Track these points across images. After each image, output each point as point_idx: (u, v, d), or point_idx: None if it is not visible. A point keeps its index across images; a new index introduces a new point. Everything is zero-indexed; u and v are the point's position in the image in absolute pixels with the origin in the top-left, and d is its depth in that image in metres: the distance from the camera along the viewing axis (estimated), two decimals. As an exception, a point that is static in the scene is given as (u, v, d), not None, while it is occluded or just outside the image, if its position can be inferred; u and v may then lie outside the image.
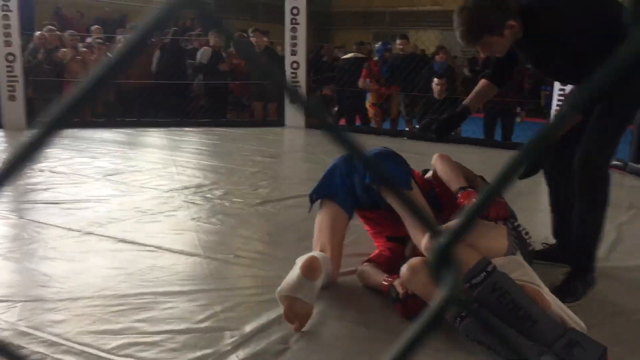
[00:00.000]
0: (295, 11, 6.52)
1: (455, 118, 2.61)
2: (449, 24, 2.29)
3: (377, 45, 7.93)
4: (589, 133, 2.21)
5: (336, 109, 7.83)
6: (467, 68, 10.53)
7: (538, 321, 1.70)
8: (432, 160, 2.37)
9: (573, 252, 2.34)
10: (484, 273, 1.75)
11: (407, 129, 7.04)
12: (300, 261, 1.94)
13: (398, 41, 7.35)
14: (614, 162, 4.86)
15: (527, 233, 2.14)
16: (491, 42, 2.19)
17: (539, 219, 3.14)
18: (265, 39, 7.58)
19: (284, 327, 1.90)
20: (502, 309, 1.71)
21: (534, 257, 2.53)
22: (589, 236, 2.29)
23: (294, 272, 1.90)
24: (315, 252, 2.08)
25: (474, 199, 2.05)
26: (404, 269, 1.90)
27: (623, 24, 2.12)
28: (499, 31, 2.15)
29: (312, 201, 2.42)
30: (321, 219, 2.32)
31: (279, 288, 1.88)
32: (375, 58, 7.51)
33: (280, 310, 1.92)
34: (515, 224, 2.13)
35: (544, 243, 2.78)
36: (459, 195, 2.15)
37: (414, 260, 1.90)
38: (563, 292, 2.17)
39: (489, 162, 5.26)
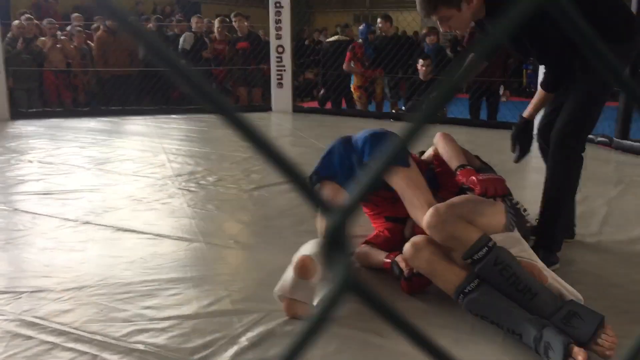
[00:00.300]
0: (279, -5, 6.48)
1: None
2: None
3: (361, 27, 7.91)
4: (563, 113, 2.27)
5: (322, 92, 7.82)
6: (449, 49, 10.57)
7: (538, 293, 1.74)
8: (435, 139, 2.38)
9: (536, 227, 2.38)
10: (486, 248, 1.79)
11: (392, 110, 7.06)
12: (294, 259, 1.92)
13: (379, 21, 7.34)
14: (600, 139, 4.94)
15: (524, 210, 2.18)
16: (448, 16, 2.18)
17: (529, 196, 3.20)
18: (246, 23, 7.52)
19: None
20: (504, 282, 1.75)
21: (531, 233, 2.60)
22: (551, 214, 2.33)
23: (289, 273, 1.91)
24: (310, 247, 2.03)
25: (473, 177, 2.08)
26: (407, 246, 1.92)
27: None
28: (456, 3, 2.15)
29: (312, 184, 2.43)
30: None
31: (276, 288, 1.89)
32: (359, 40, 7.50)
33: (271, 305, 1.95)
34: (514, 201, 2.17)
35: (537, 219, 2.85)
36: (458, 172, 2.17)
37: (417, 237, 1.93)
38: None
39: (476, 142, 5.31)
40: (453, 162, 2.22)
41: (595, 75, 2.22)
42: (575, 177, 2.31)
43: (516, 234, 2.04)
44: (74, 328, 1.78)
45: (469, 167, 2.16)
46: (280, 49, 6.63)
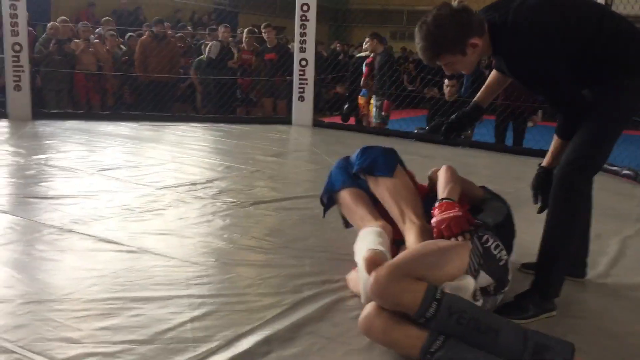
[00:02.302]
0: (305, 7, 6.41)
1: (466, 118, 2.49)
2: None
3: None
4: (570, 146, 2.10)
5: (345, 107, 7.73)
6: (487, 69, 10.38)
7: (500, 329, 1.62)
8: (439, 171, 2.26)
9: (535, 269, 2.20)
10: (435, 303, 1.62)
11: (415, 130, 6.90)
12: (360, 262, 1.89)
13: (367, 40, 7.31)
14: (625, 172, 4.70)
15: (497, 246, 1.94)
16: (453, 61, 2.07)
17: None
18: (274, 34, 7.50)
19: (250, 340, 1.80)
20: (464, 330, 1.60)
21: (527, 267, 2.46)
22: (549, 259, 2.13)
23: (364, 277, 1.84)
24: (377, 239, 2.03)
25: (450, 213, 1.93)
26: (359, 320, 1.75)
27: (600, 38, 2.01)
28: (460, 50, 2.03)
29: (325, 206, 2.53)
30: (350, 202, 2.35)
31: (362, 300, 1.89)
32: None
33: (250, 324, 1.83)
34: (484, 238, 1.94)
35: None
36: (436, 204, 2.03)
37: (367, 309, 1.74)
38: (510, 307, 2.08)
39: (494, 168, 5.12)
40: (439, 193, 2.08)
41: (609, 101, 2.06)
42: (578, 219, 2.12)
43: (468, 281, 1.84)
44: (20, 346, 1.69)
45: (451, 200, 2.00)
46: (303, 62, 6.56)
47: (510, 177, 4.53)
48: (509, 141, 6.45)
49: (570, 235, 2.11)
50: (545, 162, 2.31)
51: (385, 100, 7.08)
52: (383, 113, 7.15)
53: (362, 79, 7.24)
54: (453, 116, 2.52)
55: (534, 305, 2.09)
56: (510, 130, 6.46)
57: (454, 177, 2.18)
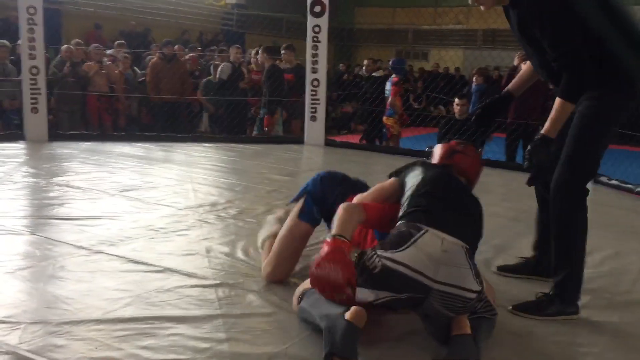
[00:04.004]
0: (317, 29, 6.51)
1: (498, 104, 2.55)
2: (472, 43, 2.29)
3: (393, 60, 7.98)
4: (563, 155, 2.20)
5: (365, 128, 7.84)
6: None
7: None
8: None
9: (554, 277, 2.31)
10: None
11: (426, 149, 6.97)
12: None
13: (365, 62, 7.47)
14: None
15: (371, 257, 1.91)
16: None
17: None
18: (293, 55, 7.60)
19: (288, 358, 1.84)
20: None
21: (504, 270, 2.73)
22: (567, 266, 2.25)
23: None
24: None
25: (330, 271, 1.88)
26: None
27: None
28: None
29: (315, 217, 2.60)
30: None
31: None
32: (397, 76, 7.51)
33: (284, 343, 1.87)
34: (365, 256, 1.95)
35: (520, 257, 2.83)
36: (328, 237, 2.01)
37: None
38: (529, 305, 2.26)
39: (510, 185, 5.17)
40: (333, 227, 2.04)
41: (591, 108, 2.16)
42: (582, 219, 2.24)
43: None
44: (65, 366, 1.74)
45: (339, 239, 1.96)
46: (315, 82, 6.64)
47: (526, 196, 4.55)
48: (520, 159, 6.50)
49: (582, 238, 2.20)
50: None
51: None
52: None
53: (390, 98, 7.31)
54: (486, 101, 2.59)
55: (555, 307, 2.20)
56: (521, 148, 6.51)
57: (348, 215, 2.08)
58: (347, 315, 1.79)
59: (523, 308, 2.29)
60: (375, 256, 1.90)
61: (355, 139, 8.57)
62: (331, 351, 1.72)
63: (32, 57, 6.00)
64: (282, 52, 7.56)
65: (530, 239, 2.81)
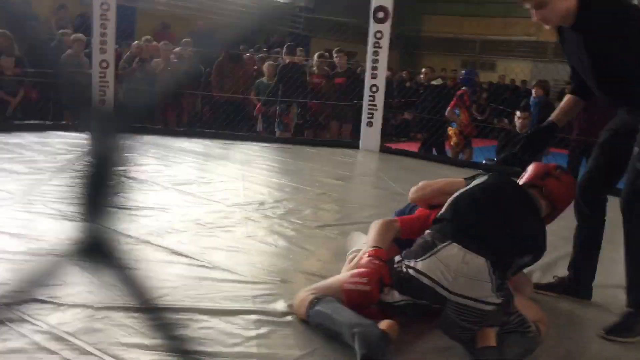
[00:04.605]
0: (378, 35, 6.49)
1: (541, 134, 2.49)
2: (542, 55, 2.28)
3: (464, 72, 7.85)
4: (632, 170, 2.16)
5: (424, 137, 7.76)
6: (559, 102, 10.23)
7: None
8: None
9: (630, 292, 2.27)
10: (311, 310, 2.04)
11: (483, 161, 6.83)
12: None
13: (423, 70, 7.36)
14: None
15: (397, 263, 2.05)
16: (544, 1, 2.10)
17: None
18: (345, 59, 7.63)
19: (314, 362, 1.84)
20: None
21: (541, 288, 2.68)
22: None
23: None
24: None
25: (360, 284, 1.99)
26: None
27: None
28: None
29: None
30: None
31: None
32: (463, 87, 7.40)
33: (312, 346, 1.87)
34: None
35: (555, 276, 2.78)
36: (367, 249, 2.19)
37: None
38: (619, 327, 2.21)
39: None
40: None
41: None
42: None
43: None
44: (98, 349, 1.80)
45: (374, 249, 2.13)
46: (374, 88, 6.62)
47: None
48: (582, 177, 6.27)
49: None
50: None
51: None
52: None
53: (448, 110, 7.23)
54: (527, 133, 2.56)
55: (628, 327, 2.18)
56: (584, 167, 6.27)
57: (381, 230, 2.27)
58: (382, 325, 1.84)
59: (614, 332, 2.22)
60: (401, 263, 2.02)
61: (413, 147, 8.49)
62: (367, 355, 1.74)
63: (102, 51, 6.26)
64: (335, 55, 7.60)
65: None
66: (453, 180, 2.41)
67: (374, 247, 2.15)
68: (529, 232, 2.13)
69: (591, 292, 2.61)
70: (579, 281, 2.59)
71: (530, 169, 2.42)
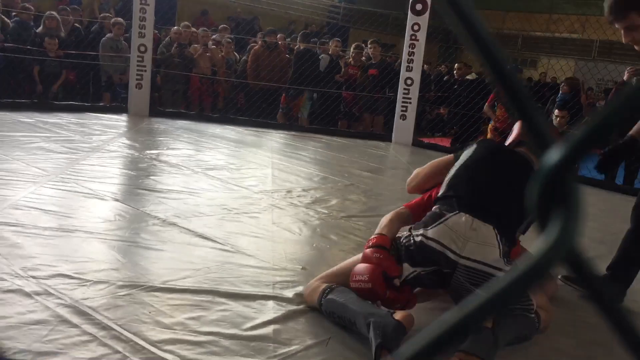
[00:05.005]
0: (416, 27, 6.43)
1: (620, 150, 2.45)
2: (585, 54, 2.25)
3: None
4: None
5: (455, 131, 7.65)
6: (604, 100, 9.94)
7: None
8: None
9: None
10: (323, 299, 2.04)
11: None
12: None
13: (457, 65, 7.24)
14: None
15: (407, 237, 2.05)
16: (637, 24, 2.07)
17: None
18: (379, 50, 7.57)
19: (327, 349, 1.84)
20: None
21: (567, 279, 2.67)
22: None
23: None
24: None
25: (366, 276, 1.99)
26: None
27: None
28: None
29: None
30: None
31: None
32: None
33: (326, 335, 1.88)
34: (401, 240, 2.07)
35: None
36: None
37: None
38: None
39: (603, 206, 4.86)
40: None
41: None
42: None
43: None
44: (119, 325, 1.84)
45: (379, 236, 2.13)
46: (409, 81, 6.56)
47: (617, 218, 4.28)
48: (620, 180, 6.10)
49: None
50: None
51: None
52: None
53: (486, 105, 7.12)
54: (606, 149, 2.52)
55: None
56: (622, 169, 6.11)
57: (396, 218, 2.28)
58: (397, 315, 1.84)
59: None
60: (410, 236, 2.03)
61: (447, 142, 8.40)
62: (382, 344, 1.75)
63: (141, 35, 6.35)
64: (369, 46, 7.55)
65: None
66: (441, 159, 2.47)
67: (378, 234, 2.16)
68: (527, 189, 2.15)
69: (624, 296, 2.55)
70: (615, 282, 2.54)
71: (515, 128, 2.46)
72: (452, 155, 2.40)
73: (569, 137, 0.29)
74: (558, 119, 6.14)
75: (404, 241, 2.04)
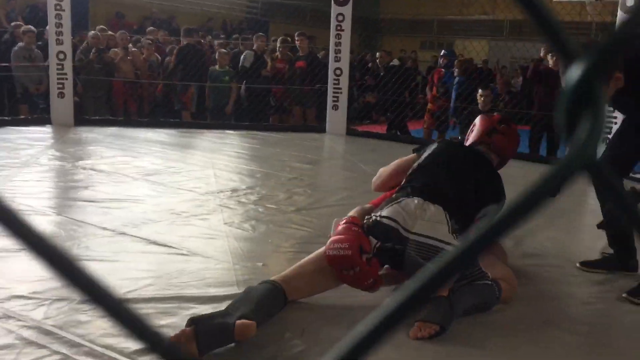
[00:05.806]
0: (340, 17, 6.51)
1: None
2: (498, 34, 2.36)
3: (443, 53, 7.95)
4: None
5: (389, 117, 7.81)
6: (519, 77, 10.36)
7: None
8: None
9: None
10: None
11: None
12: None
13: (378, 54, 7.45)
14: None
15: (369, 218, 2.21)
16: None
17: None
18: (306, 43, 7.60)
19: (301, 342, 1.87)
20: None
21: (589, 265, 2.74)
22: None
23: None
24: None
25: (343, 246, 2.08)
26: None
27: None
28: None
29: None
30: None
31: None
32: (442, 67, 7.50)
33: (300, 325, 1.91)
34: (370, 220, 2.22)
35: (603, 252, 2.83)
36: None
37: None
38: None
39: (530, 178, 5.12)
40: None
41: None
42: None
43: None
44: (88, 340, 1.79)
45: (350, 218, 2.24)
46: (338, 71, 6.64)
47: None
48: (543, 151, 6.44)
49: None
50: None
51: None
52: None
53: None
54: None
55: None
56: (545, 141, 6.45)
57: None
58: (238, 327, 1.76)
59: (634, 294, 2.37)
60: (370, 217, 2.22)
61: (377, 129, 8.55)
62: (199, 327, 1.73)
63: (59, 42, 6.10)
64: (296, 39, 7.57)
65: (547, 231, 2.84)
66: (404, 159, 2.62)
67: (349, 216, 2.28)
68: (484, 182, 2.37)
69: (637, 264, 2.65)
70: (625, 254, 2.64)
71: (477, 125, 2.62)
72: (414, 154, 2.57)
73: (594, 45, 0.31)
74: (482, 98, 6.39)
75: (366, 222, 2.20)
